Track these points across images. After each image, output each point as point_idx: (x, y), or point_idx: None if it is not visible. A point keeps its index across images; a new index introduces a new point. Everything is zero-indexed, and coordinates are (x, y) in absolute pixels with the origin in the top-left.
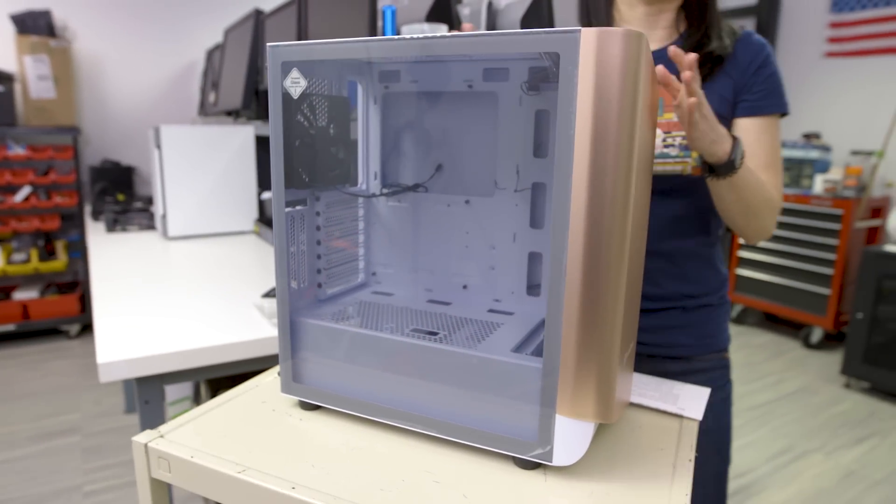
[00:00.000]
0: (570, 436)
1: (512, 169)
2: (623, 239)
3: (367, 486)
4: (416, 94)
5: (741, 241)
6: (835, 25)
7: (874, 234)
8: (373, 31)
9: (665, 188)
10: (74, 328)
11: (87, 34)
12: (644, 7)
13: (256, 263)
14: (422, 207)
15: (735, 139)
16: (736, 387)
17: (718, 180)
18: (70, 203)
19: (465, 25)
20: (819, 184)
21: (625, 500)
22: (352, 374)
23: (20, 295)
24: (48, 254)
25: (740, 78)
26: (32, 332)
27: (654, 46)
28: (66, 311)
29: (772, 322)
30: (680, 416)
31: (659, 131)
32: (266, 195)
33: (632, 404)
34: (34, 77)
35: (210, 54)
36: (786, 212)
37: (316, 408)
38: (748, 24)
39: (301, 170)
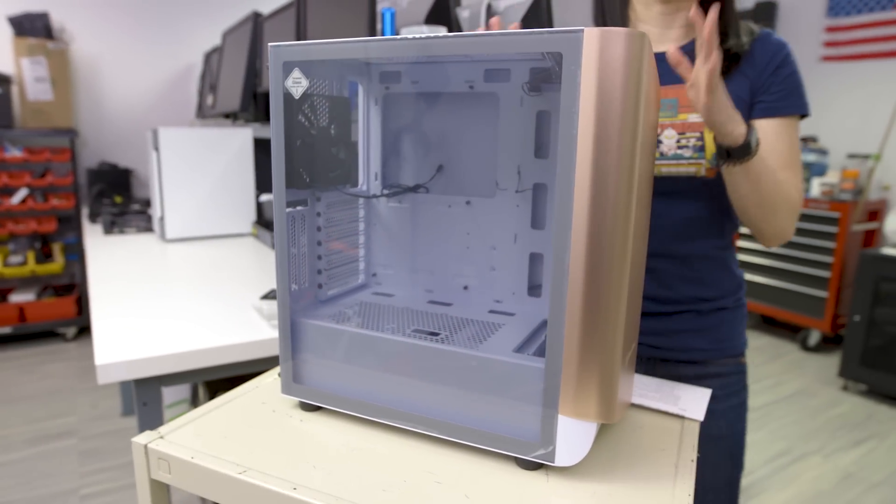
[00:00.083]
0: (573, 436)
1: (513, 170)
2: (625, 238)
3: (369, 487)
4: (416, 94)
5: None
6: (831, 30)
7: (871, 237)
8: (372, 33)
9: (679, 190)
10: (71, 331)
11: (84, 36)
12: (660, 6)
13: (254, 265)
14: (422, 208)
15: (750, 125)
16: None
17: (734, 167)
18: (67, 205)
19: (494, 21)
20: (816, 187)
21: (628, 500)
22: (353, 375)
23: (17, 297)
24: (45, 256)
25: (757, 78)
26: (29, 334)
27: (671, 45)
28: (62, 314)
29: (769, 325)
30: (681, 417)
31: (673, 132)
32: (264, 197)
33: (633, 405)
34: (31, 79)
35: (208, 57)
36: None
37: (316, 409)
38: None
39: (302, 170)
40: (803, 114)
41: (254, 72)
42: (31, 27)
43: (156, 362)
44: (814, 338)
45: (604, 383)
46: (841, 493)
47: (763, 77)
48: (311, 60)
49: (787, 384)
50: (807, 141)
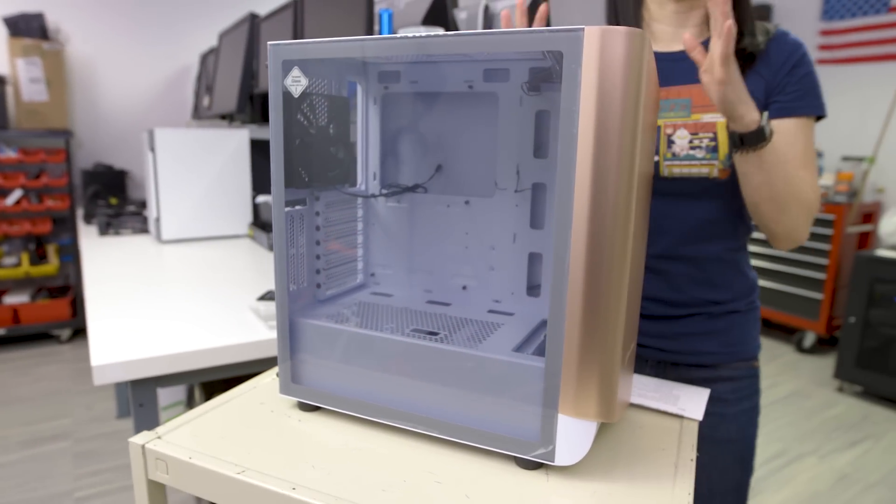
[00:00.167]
0: (573, 435)
1: (512, 169)
2: (626, 238)
3: (369, 487)
4: (415, 94)
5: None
6: (825, 33)
7: (866, 239)
8: (370, 34)
9: (691, 191)
10: (66, 333)
11: (80, 37)
12: (674, 4)
13: (251, 267)
14: (421, 208)
15: (762, 114)
16: None
17: (747, 154)
18: (62, 207)
19: (505, 13)
20: None
21: (628, 499)
22: (352, 375)
23: (11, 299)
24: (39, 258)
25: (773, 78)
26: (23, 336)
27: (686, 33)
28: (57, 316)
29: (765, 326)
30: (680, 417)
31: (686, 132)
32: (261, 199)
33: (632, 405)
34: (26, 80)
35: (204, 58)
36: None
37: (315, 409)
38: None
39: (301, 169)
40: (819, 115)
41: (250, 73)
42: (27, 27)
43: (152, 363)
44: (809, 339)
45: (604, 382)
46: (837, 494)
47: (779, 77)
48: (311, 59)
49: (782, 386)
50: None
